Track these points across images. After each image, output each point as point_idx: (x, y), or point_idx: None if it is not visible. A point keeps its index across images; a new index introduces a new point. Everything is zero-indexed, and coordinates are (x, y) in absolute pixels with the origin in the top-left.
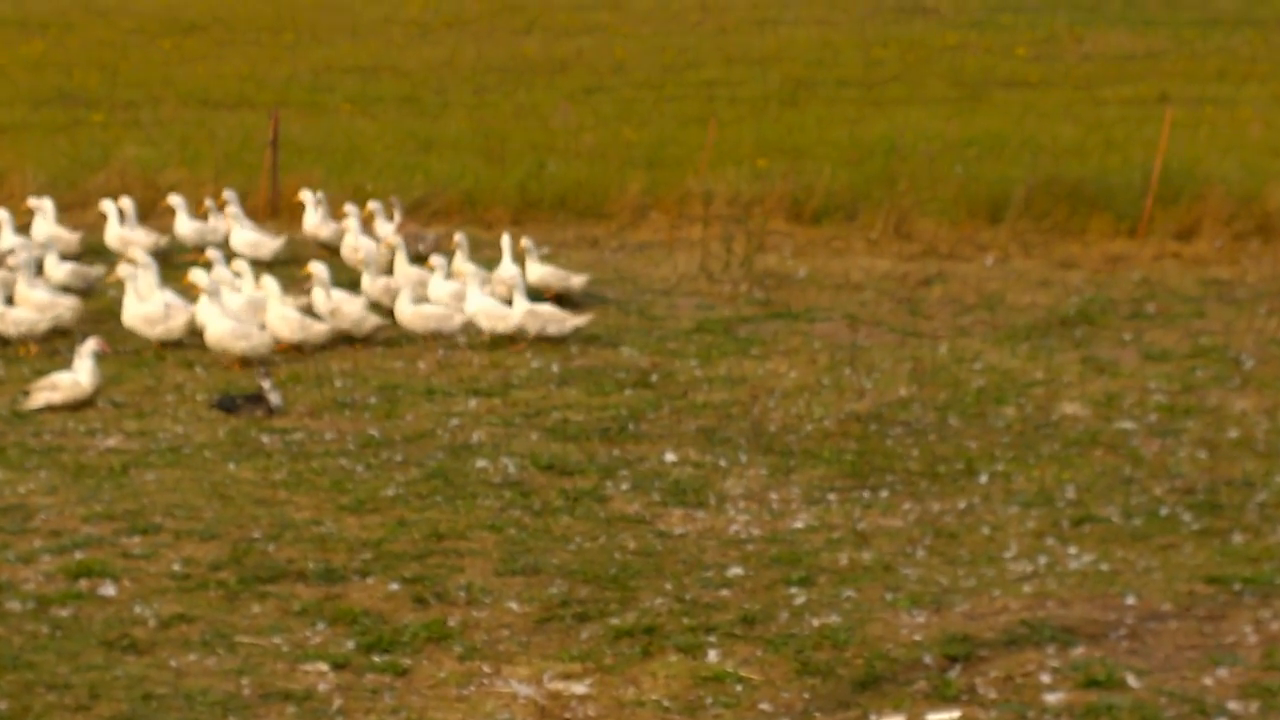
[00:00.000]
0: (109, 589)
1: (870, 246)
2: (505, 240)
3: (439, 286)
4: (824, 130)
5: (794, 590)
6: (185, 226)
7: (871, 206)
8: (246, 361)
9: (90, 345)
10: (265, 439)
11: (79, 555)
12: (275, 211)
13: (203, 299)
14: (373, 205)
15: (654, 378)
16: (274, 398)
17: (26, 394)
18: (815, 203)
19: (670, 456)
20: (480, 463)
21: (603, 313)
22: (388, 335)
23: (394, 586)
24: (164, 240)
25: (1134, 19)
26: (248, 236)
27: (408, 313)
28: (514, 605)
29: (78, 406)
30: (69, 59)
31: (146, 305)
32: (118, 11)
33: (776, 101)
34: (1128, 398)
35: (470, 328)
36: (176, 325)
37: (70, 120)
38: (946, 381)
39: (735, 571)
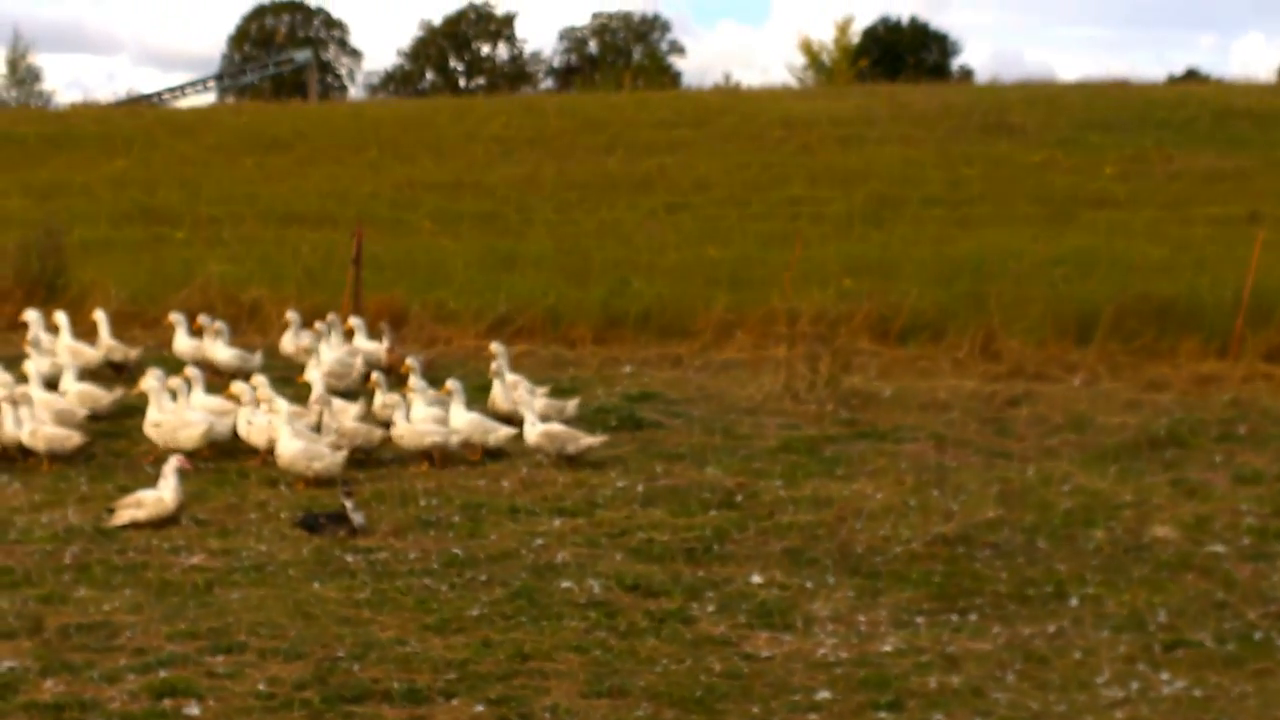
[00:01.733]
0: (194, 708)
1: (957, 366)
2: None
3: (419, 409)
4: (909, 249)
5: (883, 715)
6: (183, 344)
7: (958, 326)
8: (320, 481)
9: (174, 463)
10: (349, 558)
11: (163, 674)
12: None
13: (274, 420)
14: (354, 321)
15: (739, 498)
16: (357, 517)
17: (111, 511)
18: (901, 322)
19: (756, 578)
20: (565, 583)
21: (687, 432)
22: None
23: (479, 708)
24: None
25: (1222, 138)
26: (229, 353)
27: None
28: None
29: (162, 524)
30: (152, 176)
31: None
32: (200, 128)
33: (861, 220)
34: (1219, 520)
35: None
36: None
37: (152, 237)
38: (1035, 503)
39: (823, 695)
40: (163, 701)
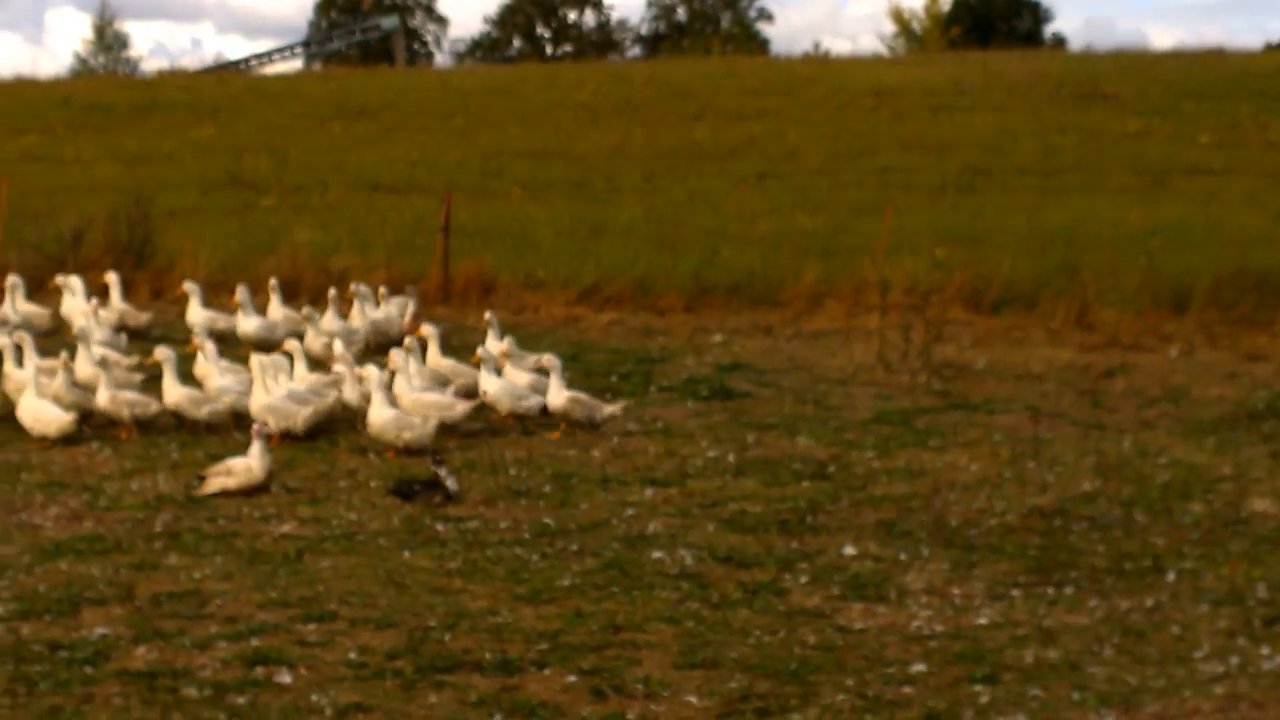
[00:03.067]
0: (285, 677)
1: (1051, 337)
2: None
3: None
4: (1003, 218)
5: (978, 688)
6: (197, 314)
7: (1052, 296)
8: (409, 451)
9: (261, 430)
10: (440, 527)
11: (255, 642)
12: (447, 297)
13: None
14: (357, 287)
15: (831, 469)
16: (450, 483)
17: (201, 479)
18: (994, 292)
19: (849, 549)
20: (657, 553)
21: (778, 402)
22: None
23: (571, 679)
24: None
25: None
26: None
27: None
28: (693, 699)
29: (252, 492)
30: (239, 143)
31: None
32: (287, 96)
33: (953, 189)
34: None
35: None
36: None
37: (240, 204)
38: (1131, 476)
39: (918, 668)
40: (254, 670)
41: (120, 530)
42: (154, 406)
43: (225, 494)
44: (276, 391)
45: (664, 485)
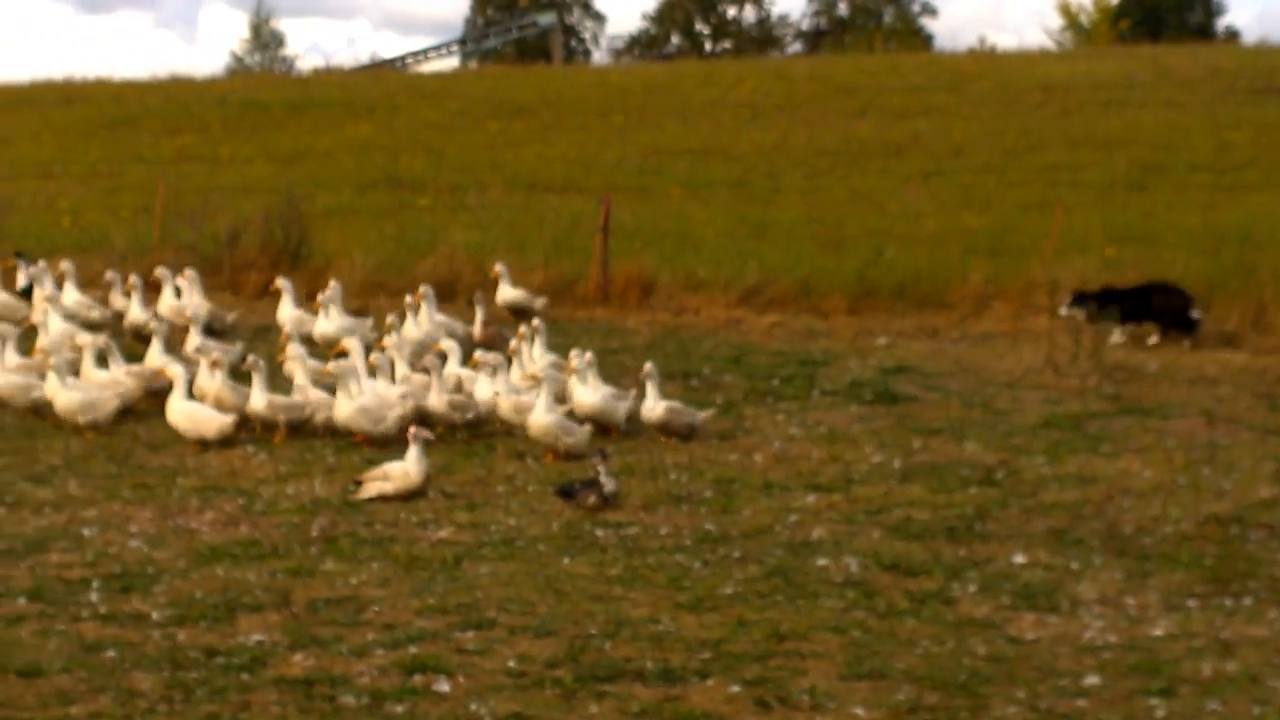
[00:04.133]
0: (443, 685)
1: (1226, 339)
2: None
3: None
4: (1174, 217)
5: (1154, 701)
6: (287, 312)
7: (1227, 297)
8: (569, 456)
9: (419, 434)
10: (600, 533)
11: (413, 649)
12: (606, 298)
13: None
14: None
15: (1000, 475)
16: (608, 484)
17: (358, 484)
18: None
19: (1019, 558)
20: (821, 561)
21: (944, 406)
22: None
23: (735, 688)
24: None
25: None
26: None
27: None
28: (860, 711)
29: (409, 497)
30: (395, 142)
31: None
32: (444, 94)
33: (1123, 187)
34: None
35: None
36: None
37: (397, 204)
38: None
39: (1091, 680)
40: (413, 677)
41: (276, 535)
42: (307, 410)
43: (383, 499)
44: (359, 396)
45: (828, 491)
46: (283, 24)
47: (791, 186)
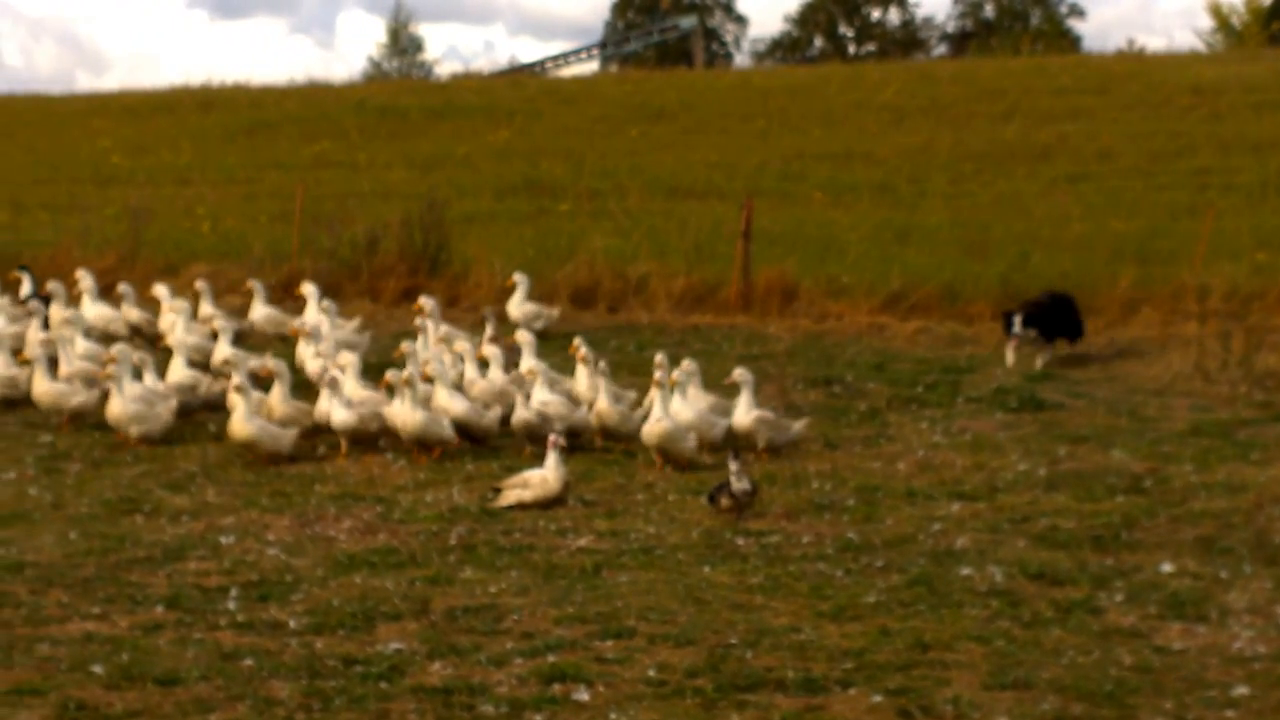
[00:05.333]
0: (583, 694)
1: None
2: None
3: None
4: None
5: None
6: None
7: None
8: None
9: (557, 442)
10: (740, 541)
11: (552, 658)
12: (748, 304)
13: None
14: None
15: (1148, 483)
16: (738, 483)
17: (497, 491)
18: None
19: (1167, 567)
20: (965, 570)
21: (1091, 413)
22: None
23: (877, 698)
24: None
25: None
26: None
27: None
28: None
29: (548, 505)
30: (534, 147)
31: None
32: (583, 98)
33: (1275, 190)
34: None
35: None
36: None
37: (536, 209)
38: None
39: (1240, 691)
40: (552, 686)
41: (414, 543)
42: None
43: (521, 507)
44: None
45: (972, 499)
46: (420, 29)
47: (936, 190)
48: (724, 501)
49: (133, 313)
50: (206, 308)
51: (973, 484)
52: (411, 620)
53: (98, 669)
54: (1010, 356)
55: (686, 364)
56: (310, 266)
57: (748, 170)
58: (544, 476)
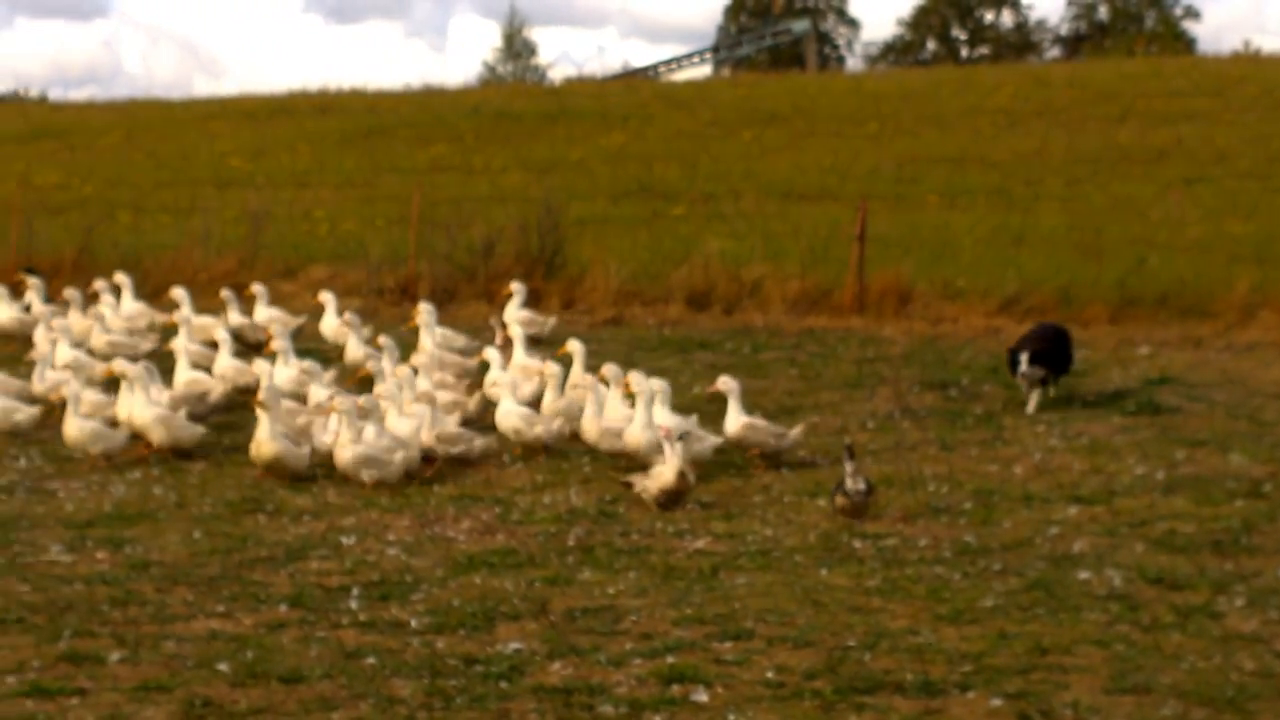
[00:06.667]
0: (701, 695)
1: None
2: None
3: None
4: None
5: None
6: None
7: None
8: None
9: (670, 433)
10: (857, 544)
11: (670, 659)
12: (862, 307)
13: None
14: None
15: (1268, 487)
16: (849, 482)
17: (628, 485)
18: None
19: None
20: (1083, 574)
21: (1209, 417)
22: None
23: (996, 702)
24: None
25: None
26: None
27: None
28: None
29: (667, 503)
30: (648, 151)
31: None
32: (697, 102)
33: None
34: None
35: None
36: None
37: (650, 213)
38: None
39: None
40: (670, 687)
41: (533, 544)
42: (478, 441)
43: (645, 504)
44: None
45: (1089, 503)
46: (533, 33)
47: (1051, 193)
48: (838, 501)
49: (235, 318)
50: (240, 314)
51: (1090, 488)
52: (531, 620)
53: (223, 666)
54: (1031, 405)
55: (657, 382)
56: (427, 269)
57: (861, 173)
58: (660, 470)
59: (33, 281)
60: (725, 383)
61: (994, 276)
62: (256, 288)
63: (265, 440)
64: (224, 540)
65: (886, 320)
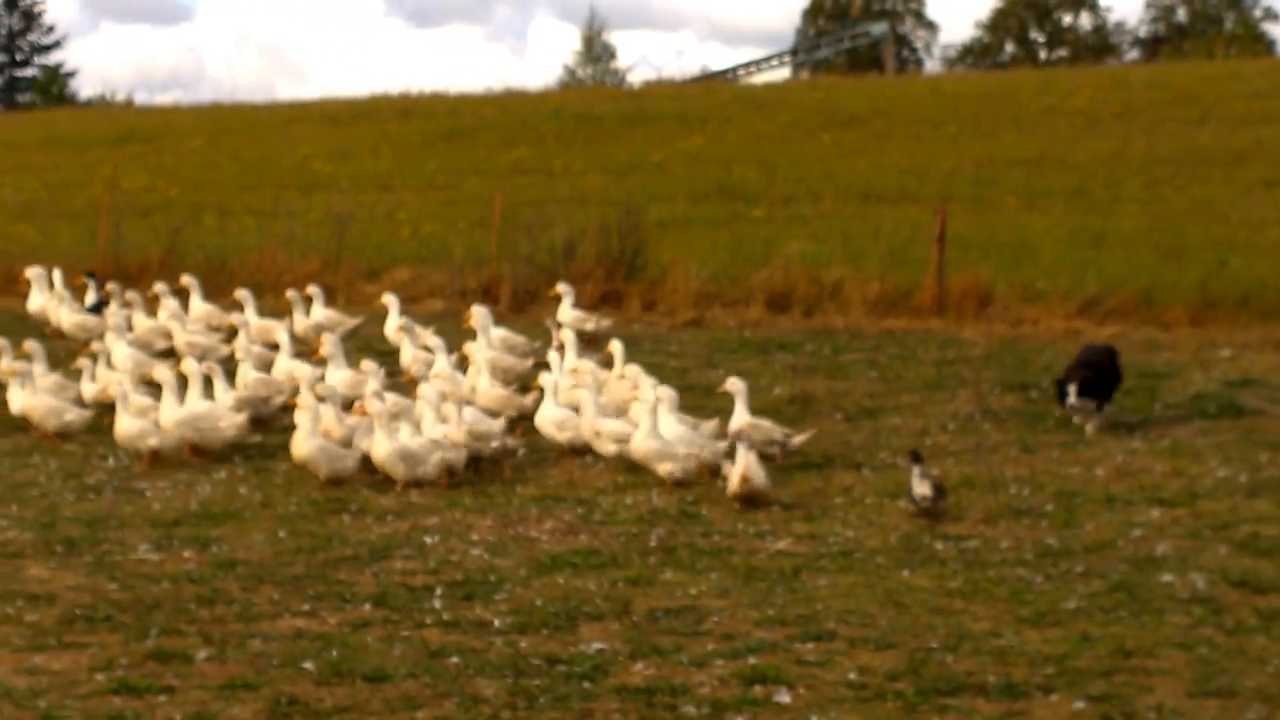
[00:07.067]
0: (784, 696)
1: None
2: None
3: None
4: None
5: None
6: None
7: None
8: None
9: (743, 437)
10: (939, 546)
11: (752, 660)
12: (942, 309)
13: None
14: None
15: None
16: (919, 487)
17: (724, 479)
18: None
19: None
20: (1166, 576)
21: None
22: None
23: (1079, 705)
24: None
25: None
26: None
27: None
28: None
29: (747, 504)
30: (728, 153)
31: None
32: (776, 105)
33: None
34: None
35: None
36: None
37: (730, 215)
38: None
39: None
40: (753, 688)
41: (615, 544)
42: (510, 441)
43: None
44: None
45: (1172, 506)
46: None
47: (1130, 195)
48: (908, 507)
49: (314, 316)
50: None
51: (1172, 490)
52: (613, 621)
53: (308, 665)
54: (1090, 428)
55: (663, 390)
56: (508, 271)
57: (940, 175)
58: (731, 469)
59: (93, 285)
60: (734, 384)
61: (1074, 278)
62: (312, 289)
63: (300, 440)
64: (309, 540)
65: (966, 322)
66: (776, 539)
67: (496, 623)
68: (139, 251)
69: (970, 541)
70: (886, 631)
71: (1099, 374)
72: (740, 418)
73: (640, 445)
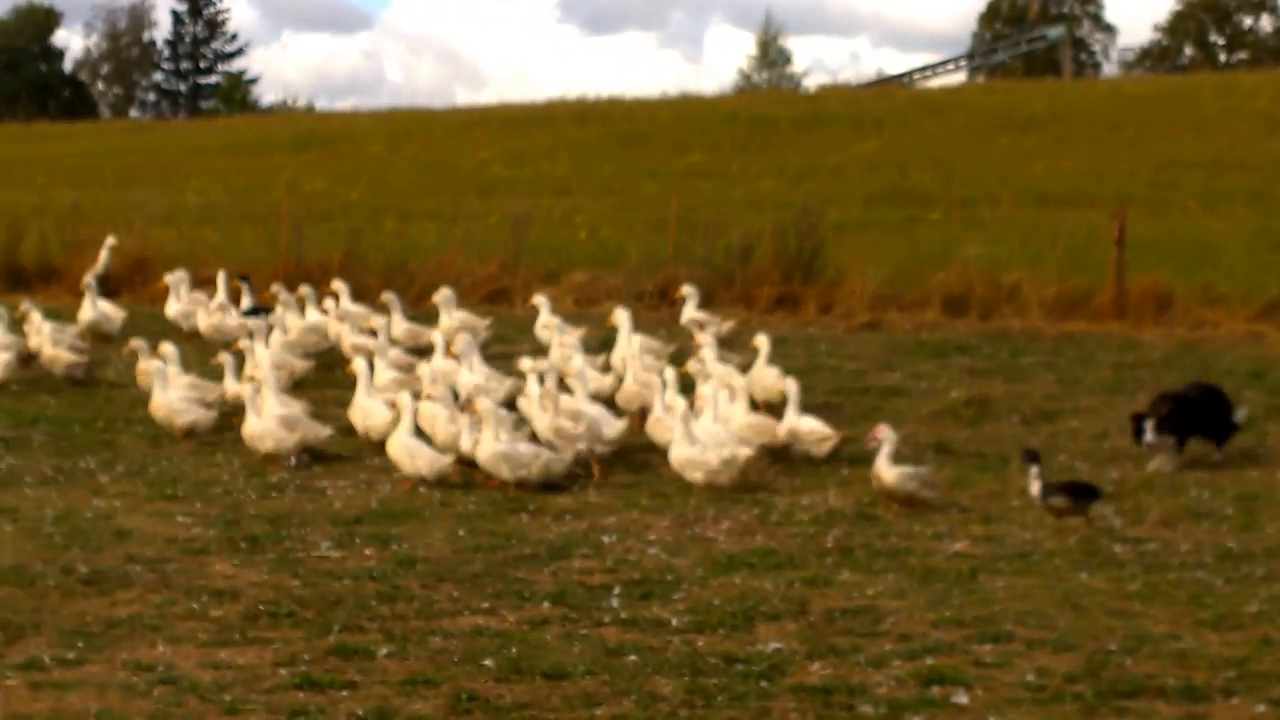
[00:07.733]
0: (961, 697)
1: None
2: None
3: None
4: None
5: None
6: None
7: None
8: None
9: (881, 435)
10: (1118, 548)
11: (929, 661)
12: (1121, 312)
13: None
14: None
15: None
16: (1033, 488)
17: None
18: None
19: None
20: None
21: None
22: None
23: (1260, 708)
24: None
25: None
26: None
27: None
28: None
29: (913, 506)
30: (903, 157)
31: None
32: (951, 108)
33: None
34: None
35: None
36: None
37: (906, 218)
38: None
39: None
40: (930, 689)
41: (792, 545)
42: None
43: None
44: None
45: None
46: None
47: None
48: (1050, 504)
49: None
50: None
51: None
52: (790, 621)
53: (488, 662)
54: (1167, 464)
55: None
56: (685, 274)
57: (1118, 178)
58: (875, 472)
59: (247, 289)
60: (786, 383)
61: (1255, 281)
62: (387, 296)
63: (392, 439)
64: (488, 538)
65: (1145, 325)
66: (954, 540)
67: (674, 622)
68: (320, 254)
69: (1149, 544)
70: (1065, 633)
71: (1179, 408)
72: (792, 414)
73: (674, 455)
